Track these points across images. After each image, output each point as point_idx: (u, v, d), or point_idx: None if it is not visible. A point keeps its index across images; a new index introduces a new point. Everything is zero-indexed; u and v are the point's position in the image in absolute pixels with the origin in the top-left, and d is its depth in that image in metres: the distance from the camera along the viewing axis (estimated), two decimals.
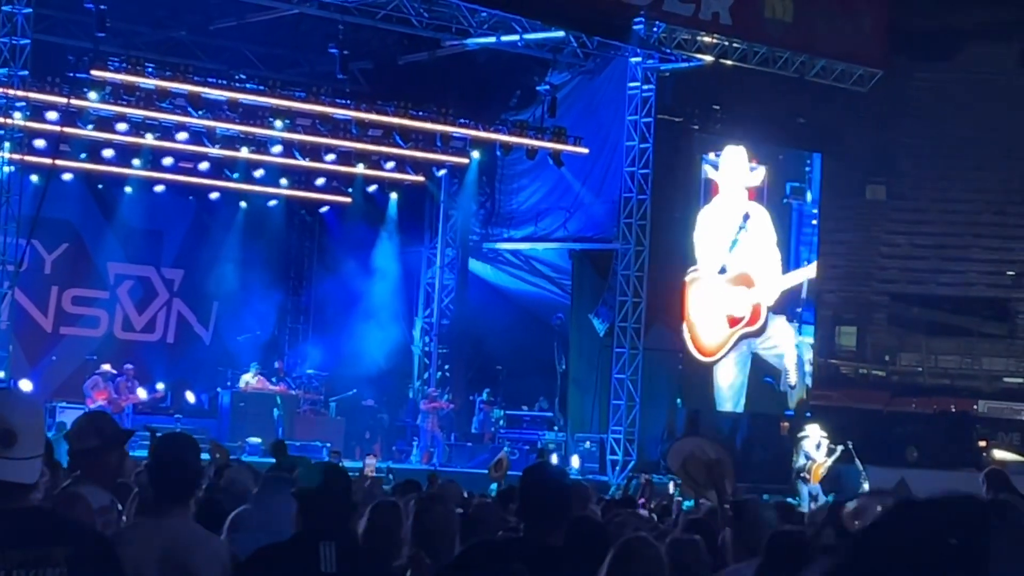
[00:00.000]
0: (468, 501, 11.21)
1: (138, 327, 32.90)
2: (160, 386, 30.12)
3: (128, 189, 31.52)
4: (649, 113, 31.45)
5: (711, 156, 33.20)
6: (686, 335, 32.55)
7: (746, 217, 33.44)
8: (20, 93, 26.17)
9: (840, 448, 30.67)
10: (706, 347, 32.87)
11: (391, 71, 32.95)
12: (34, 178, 28.25)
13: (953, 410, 41.44)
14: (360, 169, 32.24)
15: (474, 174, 33.30)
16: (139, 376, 29.31)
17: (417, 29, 30.07)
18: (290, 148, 31.07)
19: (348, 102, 29.87)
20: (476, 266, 35.05)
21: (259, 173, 32.02)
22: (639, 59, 31.41)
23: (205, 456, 11.40)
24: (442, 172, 33.52)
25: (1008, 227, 45.71)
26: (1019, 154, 44.88)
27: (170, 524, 6.17)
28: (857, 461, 31.33)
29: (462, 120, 30.66)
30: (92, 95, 27.18)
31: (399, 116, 29.90)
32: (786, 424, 34.51)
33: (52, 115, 27.23)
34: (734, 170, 33.21)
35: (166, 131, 29.61)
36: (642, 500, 18.12)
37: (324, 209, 34.55)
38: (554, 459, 30.21)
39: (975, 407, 41.92)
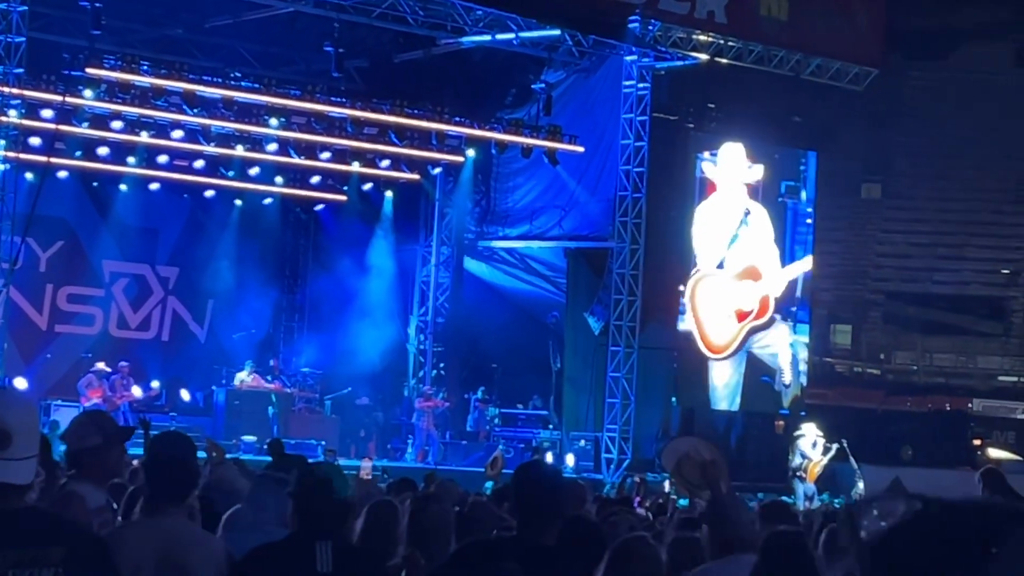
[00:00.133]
0: (465, 499, 11.20)
1: (133, 325, 32.87)
2: (155, 384, 30.08)
3: (123, 187, 31.49)
4: (644, 111, 31.44)
5: (705, 155, 33.19)
6: (695, 334, 32.58)
7: (747, 212, 33.44)
8: (15, 91, 26.15)
9: (835, 447, 30.69)
10: (715, 345, 32.90)
11: (386, 69, 32.93)
12: (29, 176, 28.22)
13: (948, 409, 41.47)
14: (355, 167, 32.22)
15: (469, 172, 33.29)
16: (134, 374, 29.28)
17: (413, 27, 30.06)
18: (285, 146, 31.06)
19: (343, 100, 29.84)
20: (471, 264, 35.04)
21: (254, 171, 31.99)
22: (634, 57, 31.41)
23: (202, 455, 11.40)
24: (437, 170, 33.51)
25: (1003, 226, 45.77)
26: (1015, 153, 44.94)
27: (166, 524, 6.15)
28: (852, 460, 31.35)
29: (457, 118, 30.64)
30: (87, 93, 27.14)
31: (394, 114, 29.87)
32: (781, 423, 34.52)
33: (47, 113, 27.21)
34: (733, 166, 33.18)
35: (161, 129, 29.59)
36: (637, 499, 18.11)
37: (319, 207, 34.54)
38: (549, 457, 30.20)
39: (970, 406, 41.96)
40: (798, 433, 31.36)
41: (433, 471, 19.00)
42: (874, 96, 37.63)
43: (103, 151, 29.90)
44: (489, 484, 19.92)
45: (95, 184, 31.39)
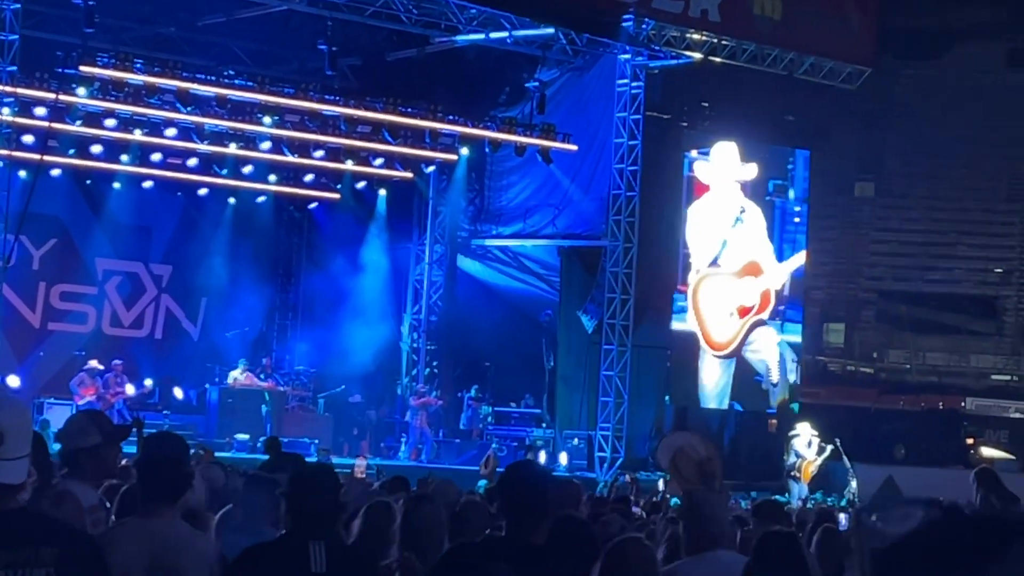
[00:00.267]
0: (459, 499, 11.18)
1: (126, 323, 32.84)
2: (148, 382, 30.06)
3: (116, 185, 31.45)
4: (638, 110, 31.46)
5: (693, 154, 33.22)
6: (698, 333, 32.62)
7: (742, 210, 33.47)
8: (8, 89, 26.11)
9: (830, 448, 30.74)
10: (718, 343, 33.00)
11: (380, 67, 32.92)
12: (22, 174, 28.20)
13: (941, 407, 41.45)
14: (349, 165, 32.21)
15: (463, 171, 33.28)
16: (127, 372, 29.26)
17: (406, 25, 30.04)
18: (279, 144, 31.04)
19: (337, 98, 29.82)
20: (465, 263, 35.04)
21: (248, 169, 31.98)
22: (628, 56, 31.42)
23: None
24: (431, 168, 33.50)
25: (996, 224, 45.77)
26: (1007, 152, 44.94)
27: (158, 524, 6.15)
28: (845, 459, 31.39)
29: (451, 117, 30.63)
30: (80, 91, 27.13)
31: (388, 112, 29.85)
32: (774, 421, 34.53)
33: (40, 111, 27.18)
34: (726, 165, 33.21)
35: (154, 127, 29.57)
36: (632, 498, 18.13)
37: (313, 205, 34.51)
38: (542, 456, 30.25)
39: (963, 404, 41.93)
40: (793, 433, 31.41)
41: (428, 474, 18.94)
42: (867, 95, 37.66)
43: (96, 149, 29.89)
44: (482, 483, 19.94)
45: (88, 182, 31.36)
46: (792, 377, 34.59)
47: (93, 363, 28.64)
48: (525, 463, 8.12)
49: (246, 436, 28.76)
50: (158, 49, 30.42)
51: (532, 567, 6.28)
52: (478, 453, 29.81)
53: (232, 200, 33.17)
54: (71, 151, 29.76)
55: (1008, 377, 44.45)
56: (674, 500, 17.16)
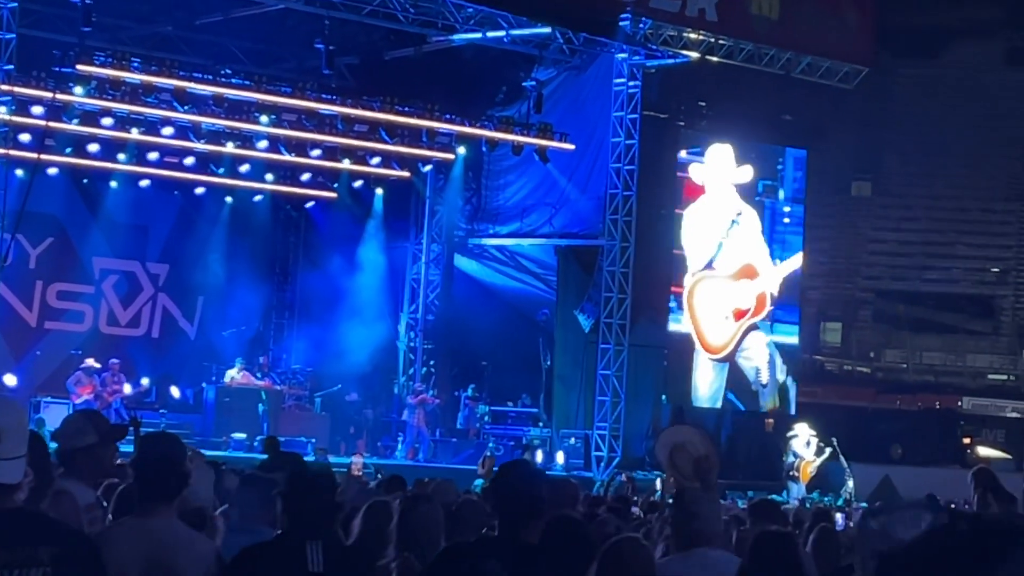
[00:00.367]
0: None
1: (123, 322, 32.81)
2: (145, 381, 30.04)
3: (113, 184, 31.42)
4: (635, 110, 31.46)
5: (682, 154, 33.19)
6: (693, 335, 32.60)
7: (738, 213, 33.45)
8: (5, 88, 26.12)
9: (829, 451, 30.79)
10: (713, 346, 32.97)
11: (377, 67, 32.90)
12: (19, 172, 28.17)
13: (938, 407, 41.52)
14: (346, 164, 32.18)
15: (460, 170, 33.26)
16: (123, 371, 29.23)
17: (403, 24, 30.02)
18: (276, 143, 31.01)
19: (334, 97, 29.81)
20: (462, 262, 35.03)
21: (244, 168, 31.94)
22: (625, 55, 31.42)
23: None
24: (428, 168, 33.46)
25: (993, 224, 45.82)
26: (1004, 151, 45.01)
27: (155, 524, 6.14)
28: (842, 458, 31.42)
29: (448, 116, 30.62)
30: (78, 90, 27.11)
31: (385, 111, 29.84)
32: (771, 421, 34.53)
33: (37, 109, 27.14)
34: (721, 167, 33.20)
35: (151, 126, 29.52)
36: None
37: (310, 204, 34.48)
38: (539, 455, 30.25)
39: (960, 404, 42.00)
40: (791, 433, 31.44)
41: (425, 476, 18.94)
42: (864, 94, 37.69)
43: (93, 148, 29.86)
44: (479, 482, 19.94)
45: (85, 181, 31.33)
46: (781, 378, 34.49)
47: (90, 361, 28.59)
48: (517, 462, 8.09)
49: (243, 435, 28.75)
50: (155, 48, 30.43)
51: (526, 566, 6.28)
52: (475, 452, 29.79)
53: (229, 199, 33.15)
54: (68, 150, 29.74)
55: (1005, 377, 44.52)
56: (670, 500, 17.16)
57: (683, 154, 33.16)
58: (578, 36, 31.33)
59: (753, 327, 33.64)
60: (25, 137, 27.89)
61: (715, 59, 32.17)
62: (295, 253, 35.50)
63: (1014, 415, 40.88)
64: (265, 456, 17.03)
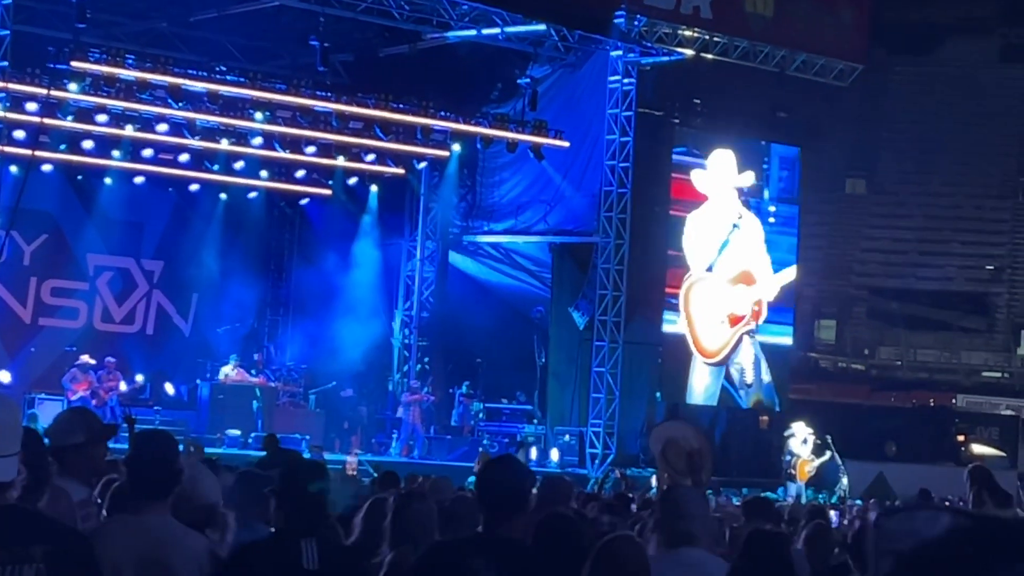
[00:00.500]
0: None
1: (117, 318, 32.80)
2: (139, 378, 30.07)
3: (108, 180, 31.41)
4: (630, 107, 31.47)
5: (683, 157, 33.12)
6: (688, 338, 32.56)
7: (740, 217, 33.39)
8: (0, 84, 26.07)
9: (828, 453, 30.81)
10: (708, 350, 32.89)
11: (372, 64, 32.89)
12: (14, 169, 28.14)
13: (932, 404, 41.55)
14: (340, 161, 32.18)
15: (455, 167, 33.25)
16: (118, 368, 29.23)
17: (398, 22, 30.04)
18: (270, 140, 31.01)
19: (328, 94, 29.78)
20: (456, 259, 35.03)
21: (239, 165, 31.93)
22: (620, 53, 31.43)
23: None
24: (422, 165, 33.45)
25: (987, 221, 45.87)
26: (999, 149, 45.05)
27: (149, 521, 6.14)
28: (836, 455, 31.44)
29: (443, 113, 30.60)
30: (72, 86, 27.08)
31: (379, 109, 29.83)
32: (766, 418, 34.54)
33: (32, 106, 27.11)
34: (724, 173, 33.09)
35: (146, 123, 29.51)
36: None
37: (304, 201, 34.48)
38: (533, 452, 30.27)
39: (954, 401, 42.06)
40: (788, 432, 31.46)
41: (419, 473, 18.94)
42: (859, 92, 37.76)
43: (88, 144, 29.84)
44: (472, 479, 19.91)
45: (80, 177, 31.31)
46: (767, 378, 34.34)
47: (85, 358, 28.59)
48: (502, 458, 8.04)
49: (237, 432, 28.74)
50: (150, 45, 30.40)
51: (517, 564, 6.25)
52: (469, 449, 29.80)
53: (224, 196, 33.13)
54: (62, 146, 29.72)
55: (999, 374, 44.59)
56: None
57: (683, 156, 33.02)
58: (573, 33, 31.35)
59: (751, 333, 33.54)
60: (19, 134, 27.87)
61: (710, 56, 32.19)
62: (290, 250, 35.50)
63: (1008, 412, 40.89)
64: (262, 453, 17.05)
